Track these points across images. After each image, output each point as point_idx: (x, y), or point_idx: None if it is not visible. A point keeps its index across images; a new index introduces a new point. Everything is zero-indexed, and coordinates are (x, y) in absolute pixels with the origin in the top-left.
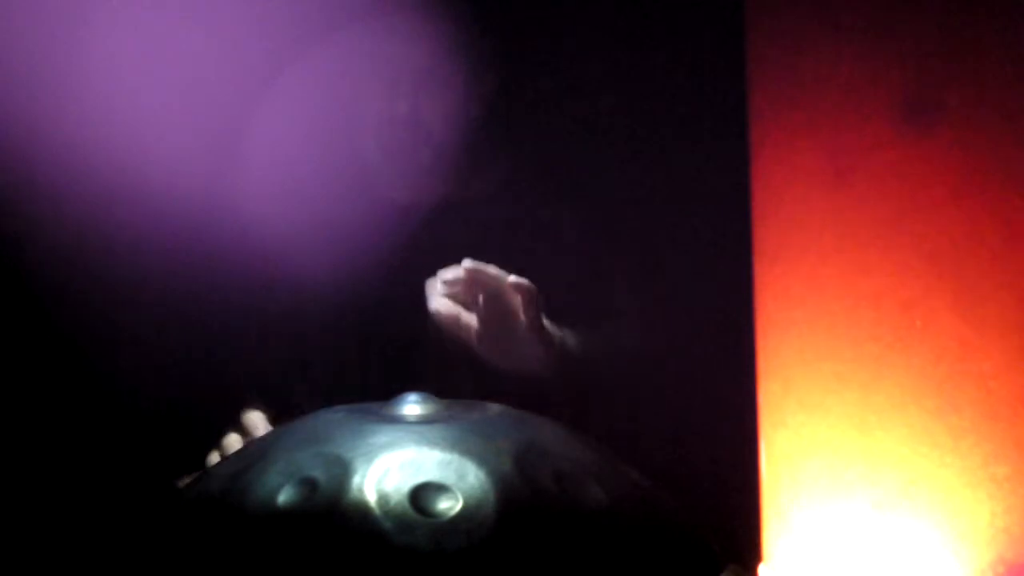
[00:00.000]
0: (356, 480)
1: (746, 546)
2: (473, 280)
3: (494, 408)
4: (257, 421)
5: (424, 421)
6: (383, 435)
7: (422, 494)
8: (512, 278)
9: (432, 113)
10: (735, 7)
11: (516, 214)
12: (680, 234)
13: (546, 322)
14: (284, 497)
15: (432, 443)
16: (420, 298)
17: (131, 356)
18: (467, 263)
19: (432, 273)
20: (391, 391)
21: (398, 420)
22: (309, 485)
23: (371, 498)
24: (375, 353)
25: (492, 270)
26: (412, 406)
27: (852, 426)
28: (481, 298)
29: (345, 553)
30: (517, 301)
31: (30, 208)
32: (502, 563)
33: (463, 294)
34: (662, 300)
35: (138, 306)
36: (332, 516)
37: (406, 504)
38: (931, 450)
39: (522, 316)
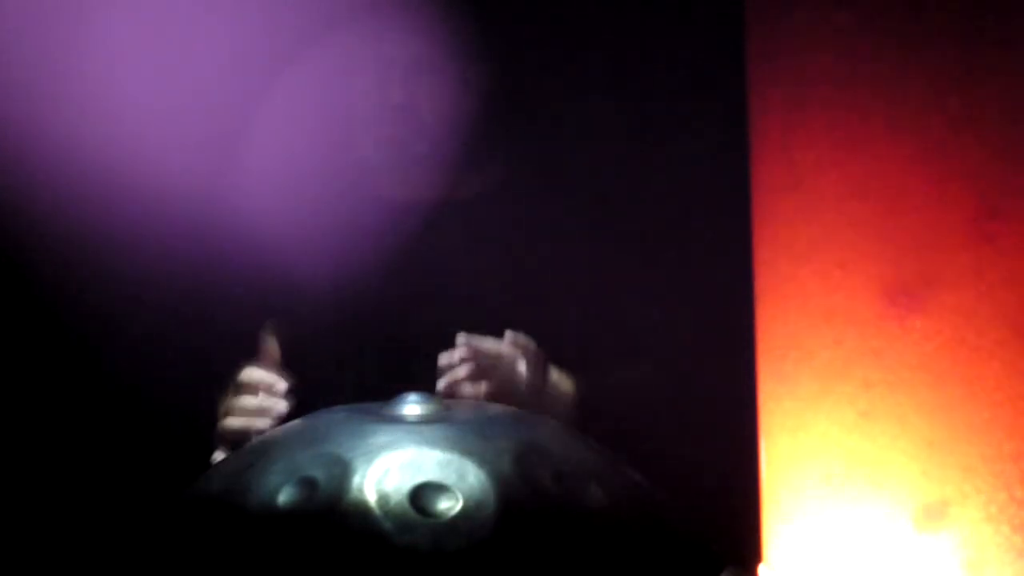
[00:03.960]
0: (356, 480)
1: (746, 546)
2: (472, 355)
3: (494, 408)
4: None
5: (424, 421)
6: (383, 435)
7: (422, 494)
8: (510, 342)
9: (428, 104)
10: (735, 5)
11: (514, 212)
12: (680, 234)
13: (555, 375)
14: (284, 497)
15: (432, 443)
16: (419, 297)
17: (130, 355)
18: (462, 338)
19: (431, 272)
20: (391, 391)
21: (398, 420)
22: (309, 485)
23: (371, 498)
24: (375, 353)
25: (489, 343)
26: (412, 406)
27: (852, 427)
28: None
29: (345, 553)
30: (519, 368)
31: (30, 208)
32: (502, 563)
33: (464, 372)
34: (661, 299)
35: (137, 305)
36: (332, 516)
37: (406, 504)
38: (931, 451)
39: (525, 381)
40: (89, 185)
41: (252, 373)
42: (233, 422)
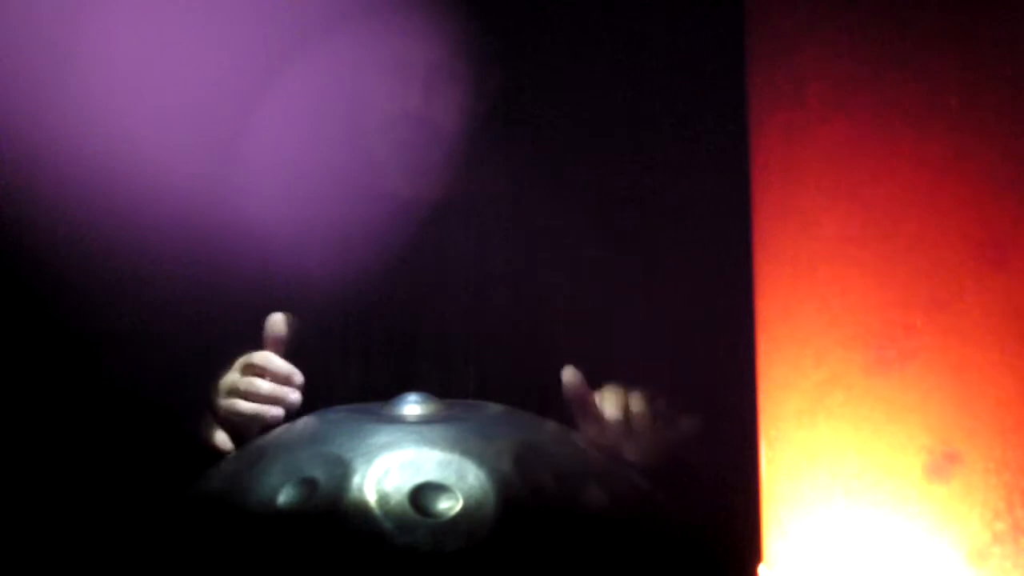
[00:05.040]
0: (356, 480)
1: (746, 547)
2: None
3: (494, 408)
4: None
5: (424, 421)
6: (383, 435)
7: (422, 494)
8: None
9: (439, 109)
10: (735, 6)
11: (518, 213)
12: (681, 235)
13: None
14: (284, 497)
15: (432, 443)
16: (421, 297)
17: (131, 354)
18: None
19: (436, 272)
20: (391, 391)
21: (398, 420)
22: (309, 485)
23: (371, 498)
24: (375, 353)
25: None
26: (412, 406)
27: (851, 428)
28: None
29: (345, 553)
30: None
31: (30, 208)
32: (502, 563)
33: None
34: (663, 301)
35: (139, 304)
36: (332, 516)
37: (406, 504)
38: (931, 451)
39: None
40: (96, 184)
41: (269, 358)
42: (244, 406)
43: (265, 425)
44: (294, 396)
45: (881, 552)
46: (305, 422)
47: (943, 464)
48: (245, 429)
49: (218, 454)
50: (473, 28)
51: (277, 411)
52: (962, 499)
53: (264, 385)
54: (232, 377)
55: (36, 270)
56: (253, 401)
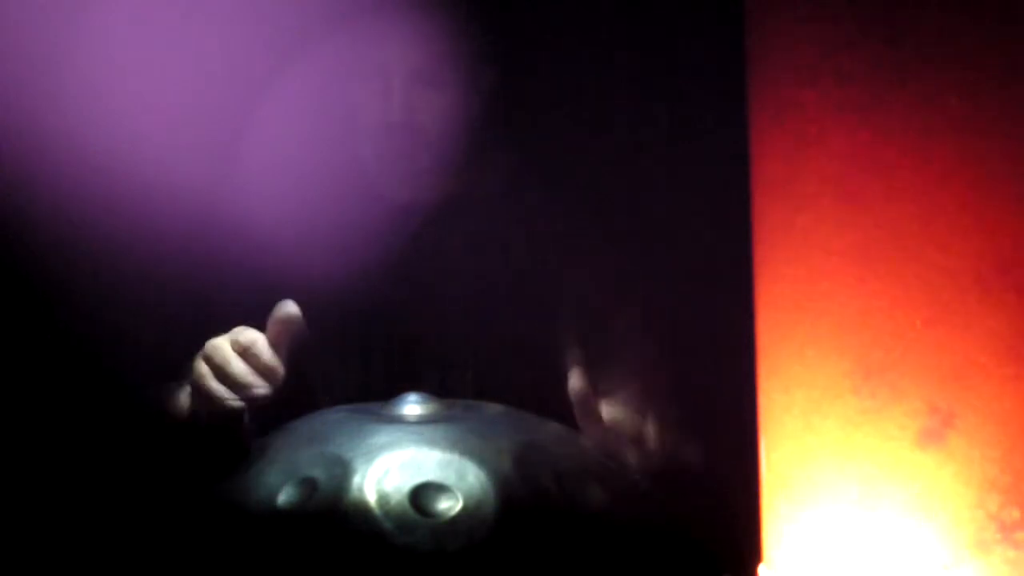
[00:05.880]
0: (356, 480)
1: (746, 547)
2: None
3: (494, 408)
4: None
5: (424, 421)
6: (383, 435)
7: (422, 494)
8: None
9: (428, 117)
10: (735, 5)
11: (516, 213)
12: (681, 236)
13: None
14: (284, 497)
15: (432, 443)
16: (421, 297)
17: (130, 356)
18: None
19: (433, 272)
20: (391, 391)
21: (398, 420)
22: (309, 485)
23: (371, 498)
24: (375, 353)
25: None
26: (412, 406)
27: (851, 429)
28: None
29: (345, 553)
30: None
31: (30, 208)
32: (502, 563)
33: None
34: (662, 302)
35: (137, 306)
36: (332, 516)
37: (406, 504)
38: (930, 454)
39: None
40: (92, 186)
41: (256, 342)
42: (207, 383)
43: (222, 412)
44: (261, 391)
45: (881, 552)
46: (305, 422)
47: (942, 462)
48: (204, 404)
49: (184, 427)
50: (465, 28)
51: (237, 403)
52: (963, 498)
53: (237, 367)
54: (218, 342)
55: (36, 271)
56: (219, 381)
